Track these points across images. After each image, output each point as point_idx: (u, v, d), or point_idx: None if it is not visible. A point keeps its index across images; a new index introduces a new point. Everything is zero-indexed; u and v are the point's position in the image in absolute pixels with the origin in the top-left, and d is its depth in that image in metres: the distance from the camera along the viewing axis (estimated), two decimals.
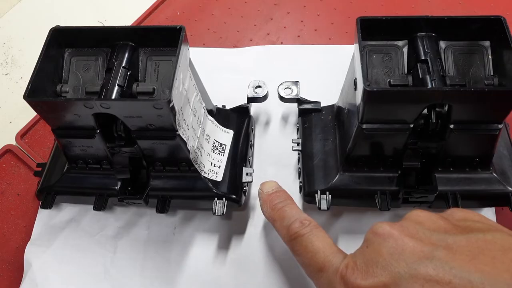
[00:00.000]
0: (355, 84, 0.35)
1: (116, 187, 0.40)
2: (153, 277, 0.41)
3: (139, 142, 0.37)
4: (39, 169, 0.45)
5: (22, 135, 0.51)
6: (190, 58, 0.38)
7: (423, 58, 0.36)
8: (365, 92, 0.32)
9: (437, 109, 0.35)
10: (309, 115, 0.46)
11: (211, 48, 0.57)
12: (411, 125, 0.35)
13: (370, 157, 0.38)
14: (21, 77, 0.58)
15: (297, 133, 0.46)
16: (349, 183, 0.39)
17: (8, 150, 0.50)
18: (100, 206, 0.40)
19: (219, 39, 0.58)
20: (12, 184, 0.48)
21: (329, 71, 0.51)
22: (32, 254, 0.42)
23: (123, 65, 0.37)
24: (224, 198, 0.39)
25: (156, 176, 0.40)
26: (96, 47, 0.39)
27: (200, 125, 0.41)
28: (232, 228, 0.43)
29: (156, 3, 0.62)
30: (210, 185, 0.40)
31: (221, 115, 0.46)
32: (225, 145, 0.44)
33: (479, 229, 0.27)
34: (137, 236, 0.43)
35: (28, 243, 0.43)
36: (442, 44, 0.37)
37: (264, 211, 0.38)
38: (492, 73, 0.36)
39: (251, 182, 0.42)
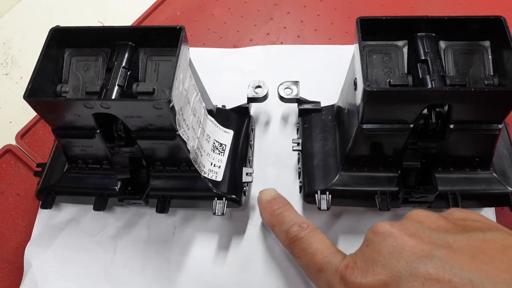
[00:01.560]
0: (355, 84, 0.35)
1: (116, 187, 0.40)
2: (153, 277, 0.41)
3: (139, 142, 0.37)
4: (39, 169, 0.45)
5: (22, 135, 0.51)
6: (190, 58, 0.38)
7: (423, 58, 0.36)
8: (365, 92, 0.32)
9: (437, 109, 0.35)
10: (309, 115, 0.46)
11: (211, 48, 0.56)
12: (411, 125, 0.35)
13: (370, 157, 0.38)
14: (21, 77, 0.58)
15: (297, 133, 0.46)
16: (349, 183, 0.39)
17: (8, 150, 0.50)
18: (100, 206, 0.40)
19: (219, 39, 0.58)
20: (12, 184, 0.48)
21: (329, 71, 0.51)
22: (32, 254, 0.42)
23: (123, 65, 0.37)
24: (224, 198, 0.39)
25: (156, 176, 0.40)
26: (96, 47, 0.39)
27: (200, 125, 0.41)
28: (232, 228, 0.43)
29: (156, 3, 0.61)
30: (210, 185, 0.40)
31: (221, 115, 0.46)
32: (225, 145, 0.44)
33: (479, 228, 0.27)
34: (137, 236, 0.43)
35: (28, 243, 0.43)
36: (442, 44, 0.37)
37: (263, 218, 0.38)
38: (492, 73, 0.36)
39: (251, 182, 0.42)
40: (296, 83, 0.46)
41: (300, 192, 0.42)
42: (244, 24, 0.59)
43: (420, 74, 0.35)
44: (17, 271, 0.43)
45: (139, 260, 0.42)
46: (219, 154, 0.42)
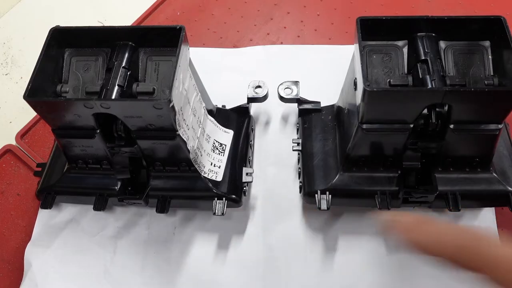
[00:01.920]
0: (355, 84, 0.35)
1: (116, 187, 0.40)
2: (153, 277, 0.41)
3: (139, 142, 0.37)
4: (39, 169, 0.45)
5: (22, 135, 0.51)
6: (190, 58, 0.38)
7: (423, 58, 0.36)
8: (365, 92, 0.32)
9: (437, 109, 0.35)
10: (309, 115, 0.46)
11: (211, 48, 0.57)
12: (411, 125, 0.35)
13: (370, 157, 0.38)
14: (21, 77, 0.58)
15: (297, 133, 0.46)
16: (349, 183, 0.39)
17: (8, 150, 0.50)
18: (100, 206, 0.40)
19: (219, 39, 0.58)
20: (12, 184, 0.48)
21: (329, 71, 0.51)
22: (32, 254, 0.42)
23: (123, 65, 0.37)
24: (224, 198, 0.39)
25: (156, 176, 0.40)
26: (96, 47, 0.39)
27: (200, 125, 0.41)
28: (232, 228, 0.43)
29: (156, 3, 0.61)
30: (210, 185, 0.40)
31: (221, 115, 0.46)
32: (225, 145, 0.44)
33: None
34: (137, 236, 0.43)
35: (28, 243, 0.43)
36: (442, 44, 0.37)
37: (414, 239, 0.29)
38: (492, 73, 0.36)
39: (251, 182, 0.42)
40: (296, 83, 0.46)
41: (300, 192, 0.42)
42: (244, 24, 0.59)
43: (420, 74, 0.35)
44: (17, 271, 0.43)
45: (139, 260, 0.42)
46: (219, 154, 0.42)
